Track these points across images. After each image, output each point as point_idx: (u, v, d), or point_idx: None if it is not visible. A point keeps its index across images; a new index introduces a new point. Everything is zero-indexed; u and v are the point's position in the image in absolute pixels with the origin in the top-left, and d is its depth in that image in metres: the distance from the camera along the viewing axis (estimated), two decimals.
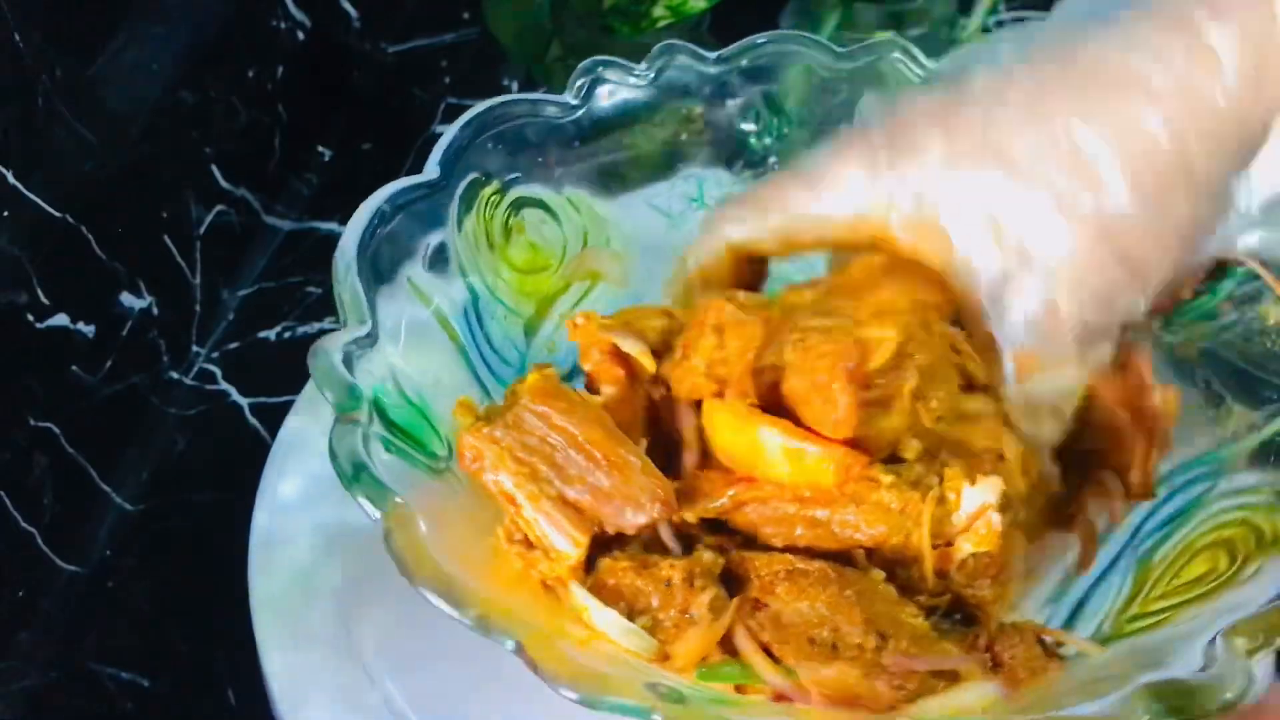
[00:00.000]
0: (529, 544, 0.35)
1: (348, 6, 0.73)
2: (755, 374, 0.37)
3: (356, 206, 0.40)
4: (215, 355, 0.62)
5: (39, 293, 0.50)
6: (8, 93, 0.47)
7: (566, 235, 0.47)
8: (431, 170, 0.43)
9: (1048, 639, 0.35)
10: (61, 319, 0.52)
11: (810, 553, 0.36)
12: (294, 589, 0.44)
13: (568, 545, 0.35)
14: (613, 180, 0.47)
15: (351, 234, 0.39)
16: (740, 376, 0.37)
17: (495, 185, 0.45)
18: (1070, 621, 0.38)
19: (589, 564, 0.35)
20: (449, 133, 0.43)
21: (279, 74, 0.67)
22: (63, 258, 0.52)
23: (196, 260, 0.61)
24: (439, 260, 0.43)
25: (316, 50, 0.70)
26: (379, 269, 0.40)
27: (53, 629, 0.52)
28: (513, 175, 0.45)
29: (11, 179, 0.47)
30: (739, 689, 0.34)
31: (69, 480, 0.53)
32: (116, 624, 0.53)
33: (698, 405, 0.38)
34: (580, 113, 0.46)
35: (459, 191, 0.43)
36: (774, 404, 0.36)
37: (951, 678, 0.33)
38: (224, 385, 0.61)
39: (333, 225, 0.68)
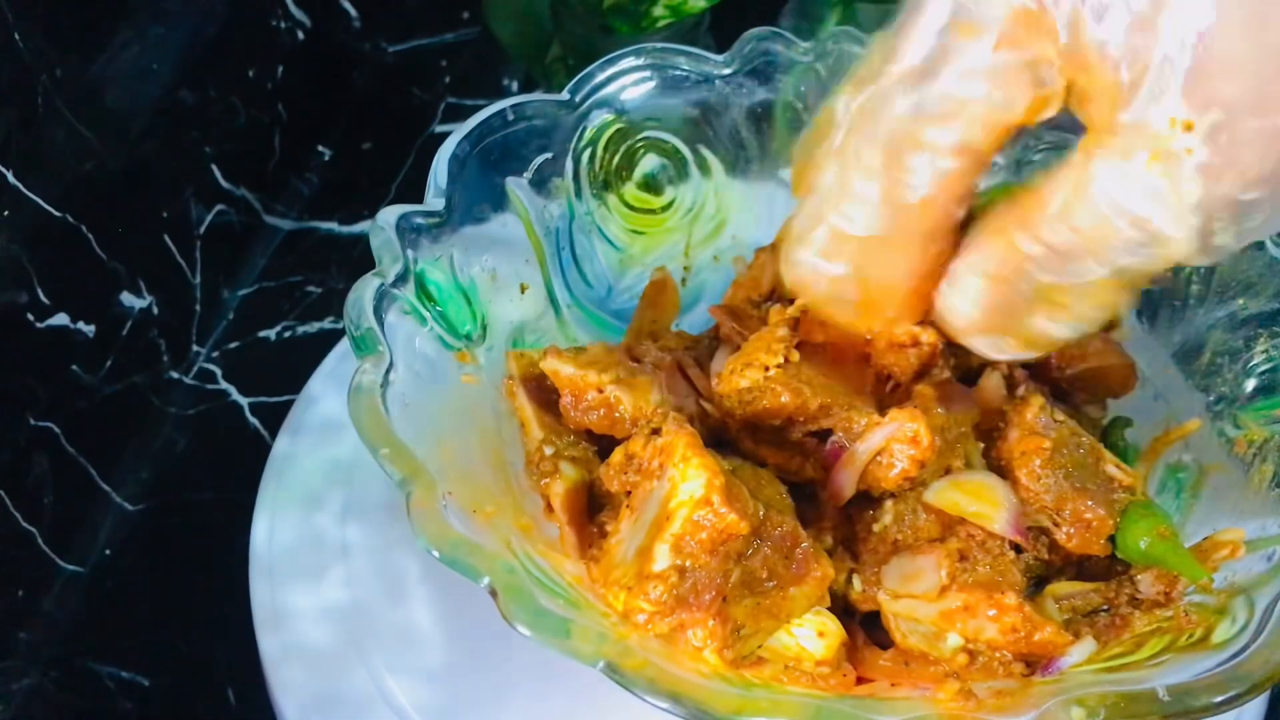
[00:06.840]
0: None
1: (348, 6, 0.73)
2: None
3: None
4: (215, 355, 0.62)
5: (39, 292, 0.50)
6: (8, 93, 0.47)
7: (690, 193, 0.47)
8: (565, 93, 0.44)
9: None
10: (61, 318, 0.52)
11: None
12: (294, 587, 0.44)
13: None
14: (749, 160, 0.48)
15: (470, 123, 0.42)
16: None
17: (625, 121, 0.45)
18: None
19: None
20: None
21: (279, 74, 0.67)
22: (63, 257, 0.52)
23: (196, 260, 0.61)
24: (546, 176, 0.44)
25: (316, 50, 0.70)
26: (488, 161, 0.42)
27: (53, 629, 0.52)
28: (649, 118, 0.46)
29: (11, 179, 0.47)
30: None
31: (69, 480, 0.53)
32: (116, 624, 0.53)
33: None
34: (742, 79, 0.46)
35: (588, 118, 0.45)
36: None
37: None
38: (224, 385, 0.61)
39: (332, 225, 0.68)
